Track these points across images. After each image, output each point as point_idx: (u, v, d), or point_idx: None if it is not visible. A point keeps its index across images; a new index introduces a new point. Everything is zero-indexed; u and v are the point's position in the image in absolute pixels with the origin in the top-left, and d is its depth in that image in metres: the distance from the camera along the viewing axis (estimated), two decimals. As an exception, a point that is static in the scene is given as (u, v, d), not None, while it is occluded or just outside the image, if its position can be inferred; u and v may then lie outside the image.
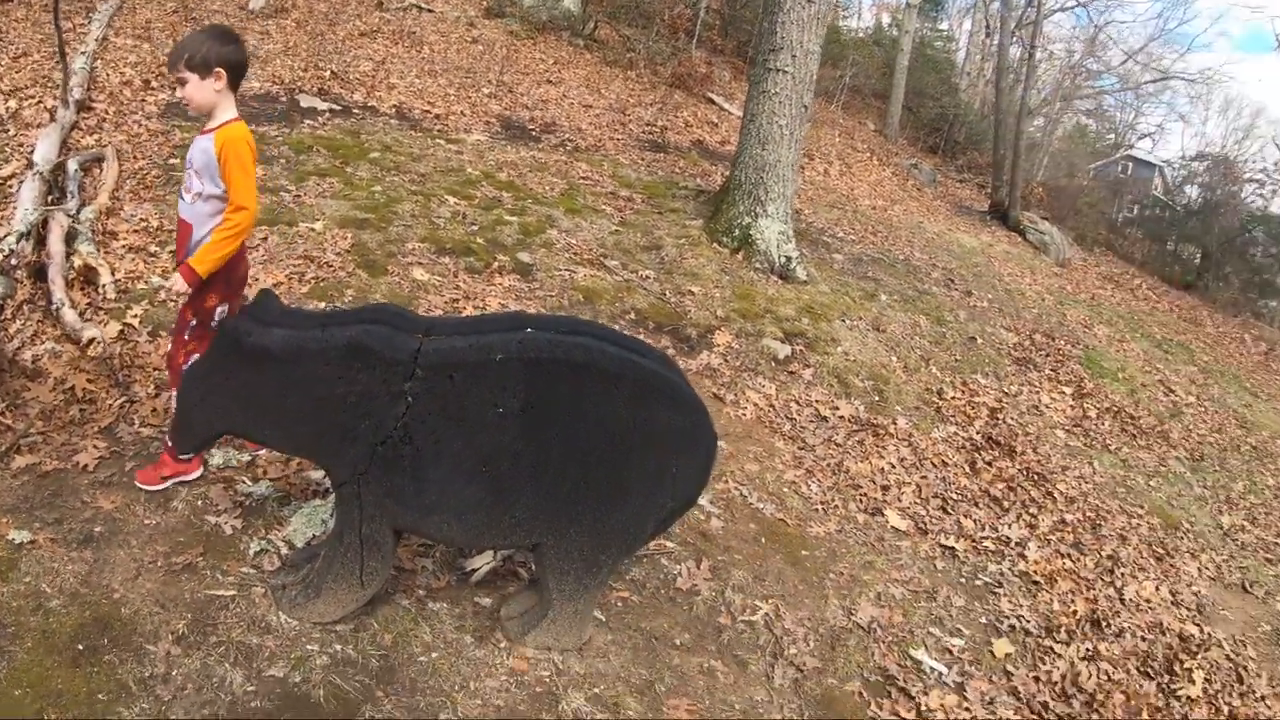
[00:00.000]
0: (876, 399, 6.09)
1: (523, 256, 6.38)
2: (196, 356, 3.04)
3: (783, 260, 7.67)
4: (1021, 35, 20.15)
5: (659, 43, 16.35)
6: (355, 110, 9.01)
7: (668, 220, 8.09)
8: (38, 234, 4.38)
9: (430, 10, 15.06)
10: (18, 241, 4.15)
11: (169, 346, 3.16)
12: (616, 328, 5.65)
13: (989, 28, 22.91)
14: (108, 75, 7.57)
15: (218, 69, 2.92)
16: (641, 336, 5.73)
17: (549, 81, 13.03)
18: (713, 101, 15.63)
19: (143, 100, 7.31)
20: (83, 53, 7.55)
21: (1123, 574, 5.02)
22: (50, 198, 4.90)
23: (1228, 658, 4.50)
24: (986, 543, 4.85)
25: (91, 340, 3.67)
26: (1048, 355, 8.55)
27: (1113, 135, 40.03)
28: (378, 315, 2.56)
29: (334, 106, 8.89)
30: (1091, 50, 25.16)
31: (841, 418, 5.65)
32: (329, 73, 9.92)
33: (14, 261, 4.06)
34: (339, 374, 2.40)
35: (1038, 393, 7.52)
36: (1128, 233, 25.09)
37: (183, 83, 2.94)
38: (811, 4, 7.54)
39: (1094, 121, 38.63)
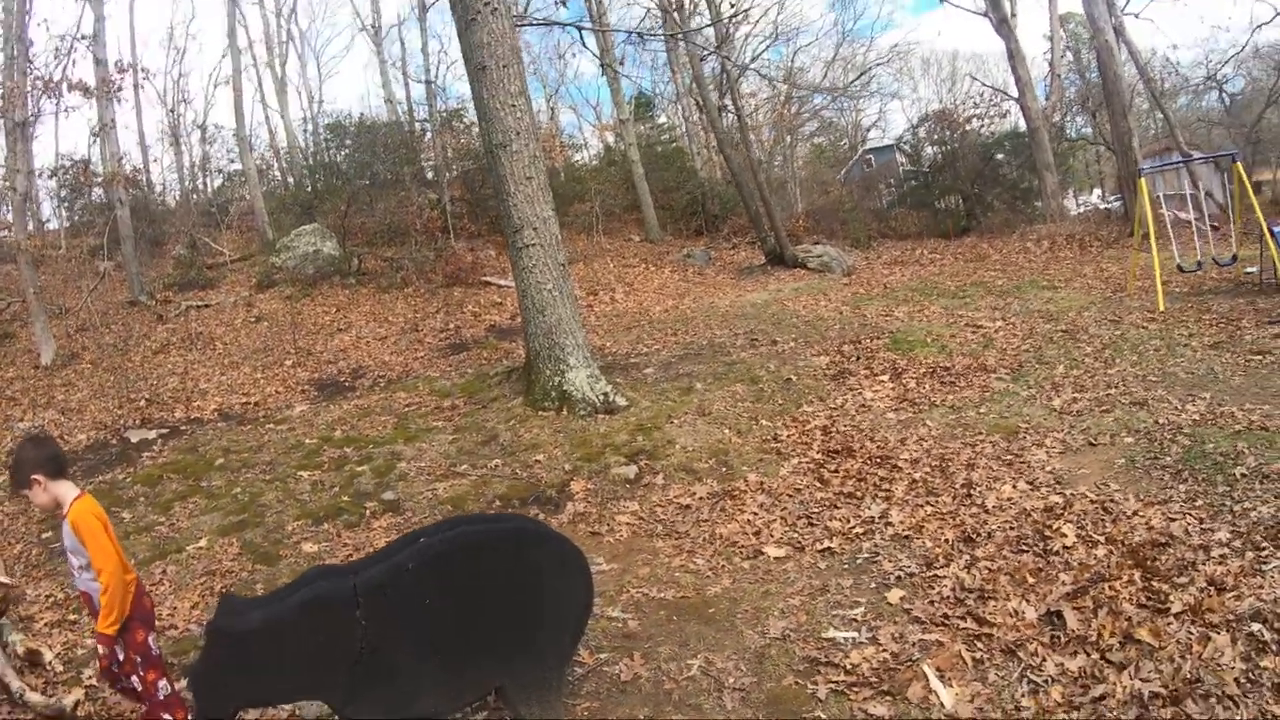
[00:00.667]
0: (724, 470, 6.96)
1: (387, 496, 7.04)
2: (162, 681, 3.68)
3: (600, 398, 8.54)
4: (726, 103, 22.34)
5: (421, 250, 17.42)
6: (183, 427, 9.52)
7: (493, 410, 8.90)
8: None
9: (207, 305, 15.67)
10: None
11: (139, 688, 3.69)
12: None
13: (699, 106, 25.14)
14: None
15: (33, 478, 3.53)
16: (510, 513, 6.45)
17: (339, 330, 13.76)
18: (490, 283, 16.65)
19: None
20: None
21: (980, 491, 5.71)
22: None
23: (1092, 501, 5.18)
24: (855, 530, 5.51)
25: (77, 702, 4.20)
26: (858, 359, 9.53)
27: (846, 140, 43.44)
28: (315, 576, 3.37)
29: (162, 431, 9.39)
30: (791, 81, 27.79)
31: (701, 499, 6.47)
32: (144, 401, 10.39)
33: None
34: (309, 626, 3.14)
35: (860, 393, 8.44)
36: (895, 214, 26.89)
37: (27, 498, 3.63)
38: (531, 180, 8.59)
39: (825, 137, 41.92)
